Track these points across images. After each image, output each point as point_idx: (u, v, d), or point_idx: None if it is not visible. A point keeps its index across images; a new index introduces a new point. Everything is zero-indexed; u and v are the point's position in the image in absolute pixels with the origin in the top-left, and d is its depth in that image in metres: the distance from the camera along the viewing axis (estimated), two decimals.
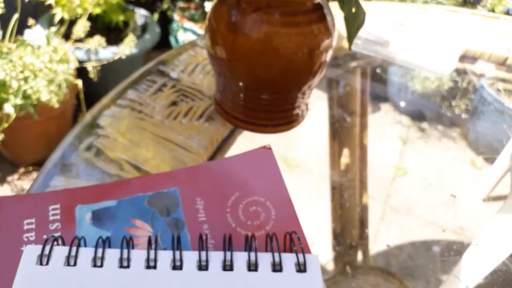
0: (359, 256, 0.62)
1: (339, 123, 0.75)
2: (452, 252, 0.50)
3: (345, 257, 0.61)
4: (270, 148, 0.56)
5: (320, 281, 0.44)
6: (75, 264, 0.42)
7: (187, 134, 0.64)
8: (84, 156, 0.60)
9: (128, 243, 0.44)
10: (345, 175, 0.70)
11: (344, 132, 0.75)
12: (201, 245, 0.44)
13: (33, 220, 0.48)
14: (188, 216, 0.50)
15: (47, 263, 0.42)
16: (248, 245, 0.45)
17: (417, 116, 0.71)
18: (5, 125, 1.49)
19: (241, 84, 0.62)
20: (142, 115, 0.67)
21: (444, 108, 0.70)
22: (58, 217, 0.49)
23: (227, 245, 0.44)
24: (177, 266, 0.43)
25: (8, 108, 1.45)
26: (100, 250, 0.43)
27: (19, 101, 1.44)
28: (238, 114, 0.66)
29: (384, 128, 0.71)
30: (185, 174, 0.54)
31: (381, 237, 0.61)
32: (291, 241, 0.46)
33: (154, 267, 0.43)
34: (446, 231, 0.52)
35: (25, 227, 0.48)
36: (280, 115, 0.67)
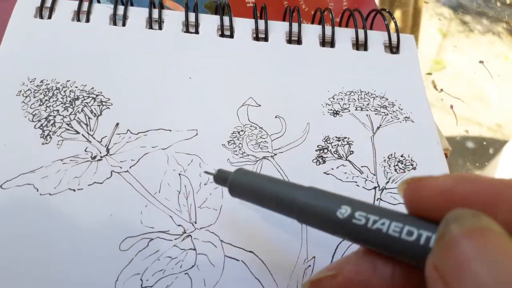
0: None
1: None
2: (488, 148, 0.43)
3: None
4: None
5: (417, 64, 0.33)
6: (88, 21, 0.31)
7: None
8: None
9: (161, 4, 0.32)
10: None
11: None
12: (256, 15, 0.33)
13: None
14: None
15: (49, 17, 0.31)
16: (321, 18, 0.33)
17: (460, 8, 0.59)
18: None
19: None
20: None
21: (492, 0, 0.58)
22: None
23: (290, 14, 0.32)
24: (225, 34, 0.32)
25: None
26: (121, 8, 0.32)
27: None
28: None
29: (423, 19, 0.60)
30: None
31: None
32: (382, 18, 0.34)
33: (196, 32, 0.32)
34: (482, 127, 0.44)
35: None
36: None
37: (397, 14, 0.67)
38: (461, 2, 0.61)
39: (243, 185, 0.18)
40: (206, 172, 0.21)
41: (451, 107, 0.44)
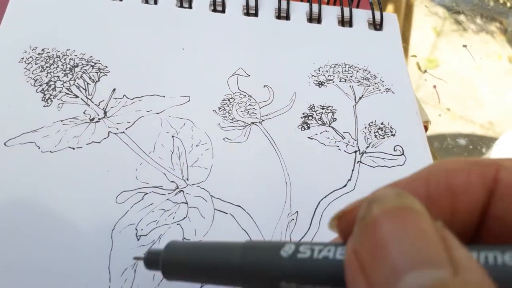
0: None
1: None
2: (480, 145, 0.45)
3: None
4: None
5: (398, 40, 0.34)
6: None
7: None
8: None
9: None
10: None
11: None
12: None
13: None
14: None
15: None
16: None
17: (455, 7, 0.60)
18: None
19: None
20: None
21: (485, 0, 0.59)
22: None
23: None
24: (217, 9, 0.33)
25: None
26: None
27: None
28: None
29: (417, 18, 0.61)
30: None
31: None
32: None
33: (190, 7, 0.33)
34: (475, 125, 0.46)
35: None
36: None
37: (389, 9, 0.69)
38: (455, 1, 0.62)
39: (178, 261, 0.15)
40: (136, 258, 0.17)
41: (434, 87, 0.45)
